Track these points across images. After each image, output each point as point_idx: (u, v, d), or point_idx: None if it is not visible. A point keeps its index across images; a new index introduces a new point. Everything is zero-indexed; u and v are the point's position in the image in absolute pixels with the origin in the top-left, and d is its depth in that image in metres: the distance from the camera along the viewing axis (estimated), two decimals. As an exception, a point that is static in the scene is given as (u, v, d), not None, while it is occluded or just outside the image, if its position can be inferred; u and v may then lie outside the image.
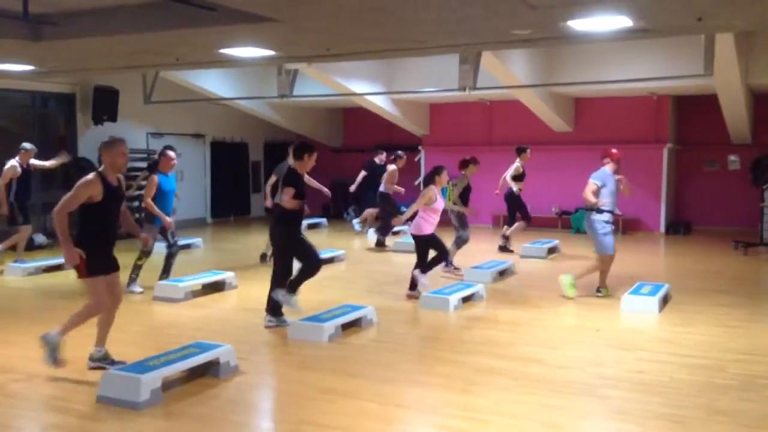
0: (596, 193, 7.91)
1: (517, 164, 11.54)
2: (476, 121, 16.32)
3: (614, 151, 8.30)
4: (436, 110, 16.77)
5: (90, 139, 13.60)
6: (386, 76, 13.93)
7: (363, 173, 13.82)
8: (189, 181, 15.65)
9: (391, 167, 12.59)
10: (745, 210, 13.91)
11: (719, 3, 5.46)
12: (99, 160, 14.09)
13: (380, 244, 12.42)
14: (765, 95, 13.42)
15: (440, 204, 8.23)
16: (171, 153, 8.37)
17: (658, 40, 10.25)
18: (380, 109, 15.21)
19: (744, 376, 5.33)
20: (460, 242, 9.86)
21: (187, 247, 12.25)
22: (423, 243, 8.19)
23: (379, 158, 14.05)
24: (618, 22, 6.11)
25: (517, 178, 11.52)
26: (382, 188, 12.56)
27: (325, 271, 10.24)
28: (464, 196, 9.86)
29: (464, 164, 9.93)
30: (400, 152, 12.81)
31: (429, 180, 8.32)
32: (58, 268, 10.14)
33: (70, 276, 9.86)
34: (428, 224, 8.13)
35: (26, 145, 10.13)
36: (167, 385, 4.91)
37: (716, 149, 14.92)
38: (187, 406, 4.72)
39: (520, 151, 11.62)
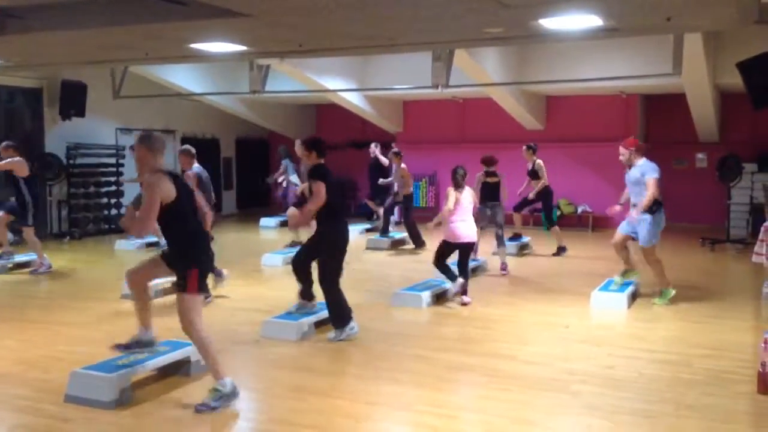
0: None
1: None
2: (449, 118, 16.37)
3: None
4: (409, 107, 16.79)
5: (57, 134, 13.38)
6: (359, 72, 13.90)
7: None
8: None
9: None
10: (712, 207, 14.14)
11: (688, 3, 5.53)
12: (66, 156, 13.94)
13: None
14: (732, 95, 13.64)
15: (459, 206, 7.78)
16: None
17: (627, 40, 10.37)
18: (353, 106, 15.18)
19: (710, 371, 5.42)
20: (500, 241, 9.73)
21: (156, 245, 12.10)
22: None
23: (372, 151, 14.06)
24: (588, 21, 6.17)
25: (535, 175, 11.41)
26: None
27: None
28: (486, 193, 9.67)
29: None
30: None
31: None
32: (24, 265, 9.97)
33: (36, 275, 9.71)
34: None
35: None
36: (137, 384, 4.85)
37: (684, 147, 15.14)
38: (157, 405, 4.67)
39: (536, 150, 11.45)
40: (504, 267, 9.63)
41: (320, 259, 6.37)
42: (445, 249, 7.85)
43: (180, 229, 4.63)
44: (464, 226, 7.74)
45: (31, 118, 13.34)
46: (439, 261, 7.80)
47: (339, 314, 6.29)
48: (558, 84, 12.77)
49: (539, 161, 11.36)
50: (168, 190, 4.45)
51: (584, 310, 7.50)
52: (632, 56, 11.56)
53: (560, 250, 11.36)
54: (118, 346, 4.99)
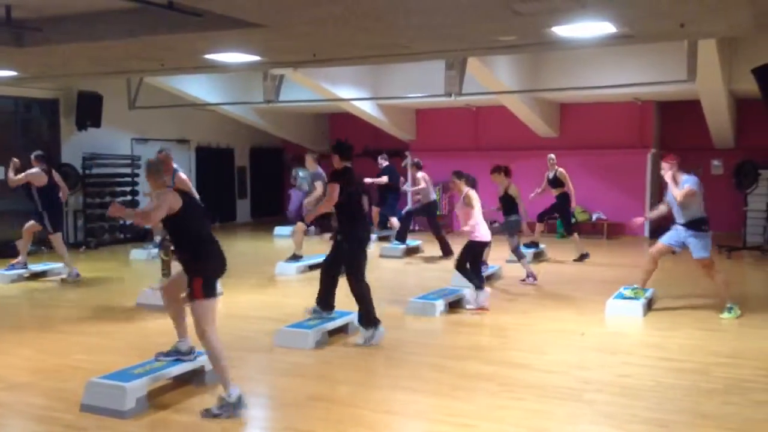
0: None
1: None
2: (462, 126, 16.37)
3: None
4: (422, 115, 16.81)
5: (74, 144, 13.51)
6: (373, 81, 13.94)
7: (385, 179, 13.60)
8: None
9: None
10: (729, 214, 14.02)
11: (702, 9, 5.51)
12: (82, 166, 14.02)
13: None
14: (747, 100, 13.55)
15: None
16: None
17: (641, 46, 10.32)
18: (367, 115, 15.21)
19: (728, 379, 5.36)
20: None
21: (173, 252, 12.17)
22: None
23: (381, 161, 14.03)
24: (602, 28, 6.16)
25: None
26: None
27: (310, 277, 10.25)
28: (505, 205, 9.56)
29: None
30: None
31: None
32: (42, 275, 10.06)
33: (53, 283, 9.78)
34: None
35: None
36: (153, 393, 4.87)
37: (700, 154, 15.04)
38: (173, 414, 4.69)
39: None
40: (534, 277, 9.51)
41: (345, 257, 6.56)
42: (470, 252, 7.82)
43: (183, 239, 4.88)
44: (485, 226, 7.84)
45: (47, 128, 13.48)
46: (468, 264, 7.81)
47: (365, 311, 6.49)
48: (572, 91, 12.74)
49: (561, 169, 11.42)
50: (174, 202, 4.72)
51: (599, 318, 7.46)
52: (646, 63, 11.52)
53: (582, 257, 11.39)
54: (159, 354, 5.24)
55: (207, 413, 4.59)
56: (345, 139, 6.85)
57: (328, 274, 6.72)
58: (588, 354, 6.12)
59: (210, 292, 4.71)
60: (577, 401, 4.91)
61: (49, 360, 5.98)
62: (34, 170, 9.65)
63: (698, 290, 8.58)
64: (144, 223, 5.48)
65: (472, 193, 7.93)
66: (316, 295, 6.77)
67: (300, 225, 10.65)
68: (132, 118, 14.03)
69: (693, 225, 7.33)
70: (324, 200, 6.59)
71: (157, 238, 8.44)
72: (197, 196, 6.75)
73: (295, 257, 10.63)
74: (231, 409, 4.57)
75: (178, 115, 15.42)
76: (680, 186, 7.30)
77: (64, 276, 9.87)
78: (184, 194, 4.89)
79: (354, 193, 6.60)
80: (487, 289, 7.93)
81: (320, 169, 10.54)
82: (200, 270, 4.73)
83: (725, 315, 7.36)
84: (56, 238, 9.84)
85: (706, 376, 5.46)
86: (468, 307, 7.75)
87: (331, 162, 6.72)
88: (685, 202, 7.26)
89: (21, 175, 9.57)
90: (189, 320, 5.02)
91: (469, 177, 8.14)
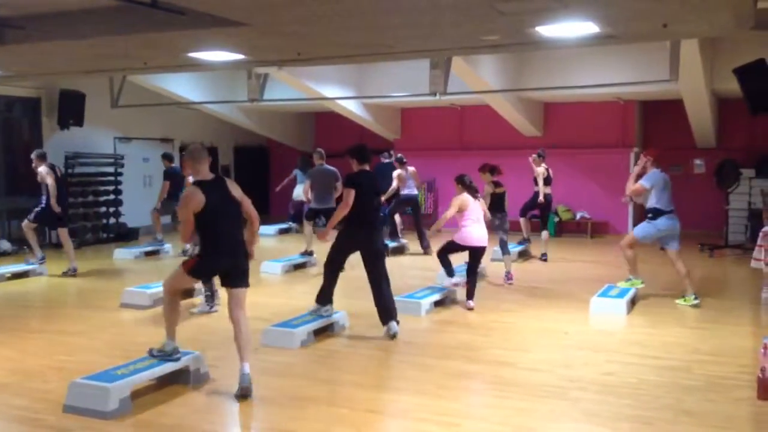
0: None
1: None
2: (447, 125, 16.40)
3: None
4: (407, 114, 16.82)
5: (56, 143, 13.37)
6: (358, 80, 13.93)
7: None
8: (158, 186, 15.42)
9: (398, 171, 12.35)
10: (711, 213, 14.15)
11: (684, 10, 5.56)
12: (65, 165, 13.89)
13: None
14: (729, 100, 13.68)
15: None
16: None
17: (624, 46, 10.40)
18: (352, 114, 15.21)
19: (709, 377, 5.42)
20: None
21: (156, 253, 12.11)
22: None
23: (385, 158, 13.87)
24: (585, 28, 6.20)
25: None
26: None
27: (295, 277, 10.24)
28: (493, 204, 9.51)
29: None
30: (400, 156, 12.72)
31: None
32: (24, 275, 9.96)
33: (35, 283, 9.70)
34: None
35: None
36: (136, 393, 4.84)
37: (681, 153, 15.16)
38: (157, 415, 4.66)
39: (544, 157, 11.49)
40: (510, 276, 9.44)
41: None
42: (449, 247, 8.04)
43: (201, 234, 5.16)
44: (476, 230, 7.80)
45: (29, 127, 13.33)
46: (442, 253, 8.10)
47: (321, 293, 6.87)
48: (555, 91, 12.79)
49: (538, 169, 11.34)
50: (196, 204, 4.92)
51: (584, 316, 7.50)
52: (629, 63, 11.59)
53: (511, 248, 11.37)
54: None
55: (150, 351, 5.17)
56: (362, 143, 7.05)
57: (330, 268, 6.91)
58: (572, 352, 6.16)
59: (195, 273, 5.30)
60: (562, 399, 4.93)
61: (31, 360, 5.92)
62: (42, 169, 9.76)
63: (680, 289, 8.65)
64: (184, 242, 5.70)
65: (454, 200, 7.84)
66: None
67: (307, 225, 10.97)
68: (115, 117, 13.92)
69: (645, 213, 8.17)
70: (340, 206, 6.64)
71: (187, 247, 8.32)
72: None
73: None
74: (165, 356, 5.10)
75: (161, 114, 15.32)
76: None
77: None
78: (218, 192, 5.02)
79: (367, 200, 6.62)
80: (457, 279, 8.14)
81: (326, 166, 10.59)
82: (199, 256, 5.22)
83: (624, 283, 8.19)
84: (27, 226, 9.94)
85: (688, 373, 5.51)
86: (444, 283, 8.17)
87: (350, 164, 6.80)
88: (632, 195, 8.39)
89: (49, 182, 9.74)
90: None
91: (466, 182, 7.94)
